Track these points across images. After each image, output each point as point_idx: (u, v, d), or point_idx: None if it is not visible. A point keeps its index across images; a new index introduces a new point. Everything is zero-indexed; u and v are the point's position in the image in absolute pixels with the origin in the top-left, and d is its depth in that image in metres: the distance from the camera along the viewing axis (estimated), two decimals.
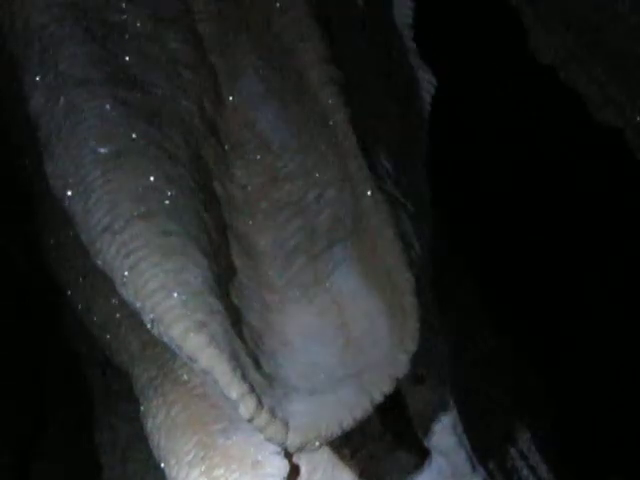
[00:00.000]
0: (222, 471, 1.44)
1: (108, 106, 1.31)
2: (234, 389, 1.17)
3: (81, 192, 1.30)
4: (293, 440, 1.20)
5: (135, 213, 1.27)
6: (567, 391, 2.37)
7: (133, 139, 1.31)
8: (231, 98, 1.45)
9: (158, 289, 1.22)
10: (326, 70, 1.39)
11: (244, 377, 1.18)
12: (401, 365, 1.26)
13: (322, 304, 1.33)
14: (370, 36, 1.65)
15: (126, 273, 1.25)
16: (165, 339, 1.23)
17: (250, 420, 1.18)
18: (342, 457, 1.48)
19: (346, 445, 1.48)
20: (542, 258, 2.56)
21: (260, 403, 1.18)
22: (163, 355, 1.51)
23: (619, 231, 2.59)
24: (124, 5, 1.42)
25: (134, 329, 1.55)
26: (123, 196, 1.27)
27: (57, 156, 1.33)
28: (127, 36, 1.40)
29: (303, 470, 1.49)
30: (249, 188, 1.40)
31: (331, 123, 1.36)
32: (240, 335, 1.24)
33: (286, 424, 1.19)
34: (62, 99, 1.33)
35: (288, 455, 1.45)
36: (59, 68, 1.34)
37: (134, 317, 1.33)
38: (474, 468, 1.58)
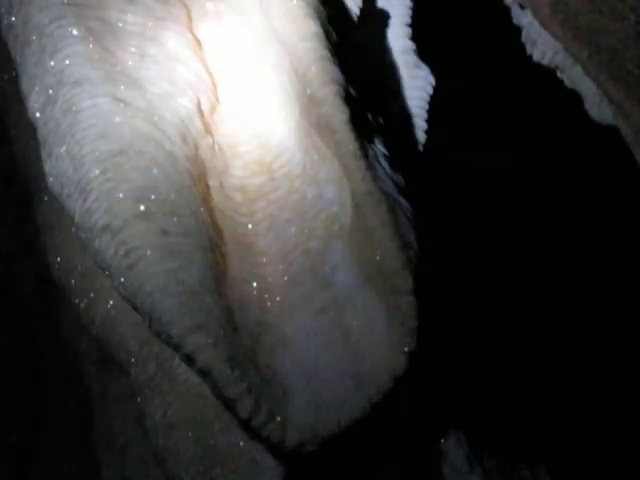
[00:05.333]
0: (220, 470, 1.44)
1: (106, 105, 1.31)
2: (232, 389, 1.17)
3: (80, 191, 1.30)
4: (291, 439, 1.20)
5: (134, 212, 1.26)
6: (566, 391, 2.37)
7: (131, 138, 1.30)
8: (229, 97, 1.45)
9: (156, 288, 1.22)
10: (326, 69, 1.39)
11: (242, 377, 1.18)
12: (399, 364, 1.26)
13: (321, 303, 1.33)
14: (369, 35, 1.65)
15: (124, 272, 1.25)
16: (163, 338, 1.23)
17: (248, 420, 1.18)
18: (340, 454, 1.48)
19: (344, 443, 1.48)
20: (540, 258, 2.56)
21: (258, 403, 1.18)
22: (161, 354, 1.51)
23: (619, 231, 2.59)
24: (123, 5, 1.42)
25: (132, 328, 1.55)
26: (122, 195, 1.27)
27: (55, 155, 1.33)
28: (126, 35, 1.39)
29: (301, 468, 1.49)
30: (247, 187, 1.40)
31: (330, 122, 1.36)
32: (238, 335, 1.24)
33: (284, 423, 1.19)
34: (60, 98, 1.32)
35: (286, 454, 1.45)
36: (57, 67, 1.34)
37: (133, 316, 1.33)
38: (472, 467, 1.58)
